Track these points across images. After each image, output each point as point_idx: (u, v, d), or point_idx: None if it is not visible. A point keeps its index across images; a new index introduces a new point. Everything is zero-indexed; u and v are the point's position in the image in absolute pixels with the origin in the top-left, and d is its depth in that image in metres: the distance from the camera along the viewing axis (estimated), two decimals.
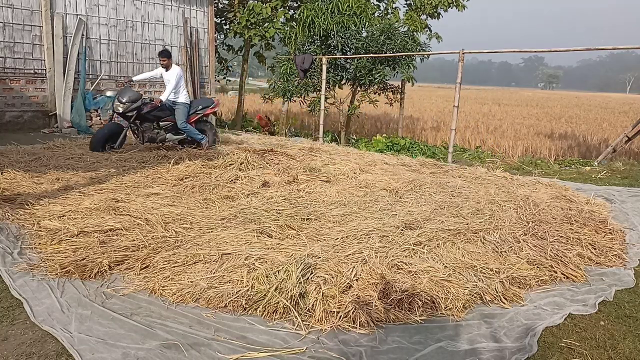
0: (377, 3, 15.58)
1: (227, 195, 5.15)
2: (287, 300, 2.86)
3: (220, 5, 15.73)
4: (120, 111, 7.38)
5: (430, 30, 15.65)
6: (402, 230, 4.13)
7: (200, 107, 8.12)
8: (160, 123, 7.82)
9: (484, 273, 3.39)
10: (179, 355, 2.42)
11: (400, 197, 5.37)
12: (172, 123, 7.83)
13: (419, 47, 12.19)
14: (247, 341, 2.58)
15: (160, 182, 5.63)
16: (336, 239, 3.88)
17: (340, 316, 2.79)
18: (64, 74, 10.18)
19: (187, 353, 2.44)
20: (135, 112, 7.43)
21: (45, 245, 3.68)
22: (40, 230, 3.93)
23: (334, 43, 12.20)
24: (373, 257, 3.46)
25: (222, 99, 24.65)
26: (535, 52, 9.38)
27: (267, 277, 3.06)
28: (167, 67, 7.76)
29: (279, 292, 2.92)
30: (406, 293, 3.02)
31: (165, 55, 7.72)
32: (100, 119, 10.52)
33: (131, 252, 3.52)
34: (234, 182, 5.71)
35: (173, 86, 7.59)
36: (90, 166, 6.32)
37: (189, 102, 7.91)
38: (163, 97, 7.61)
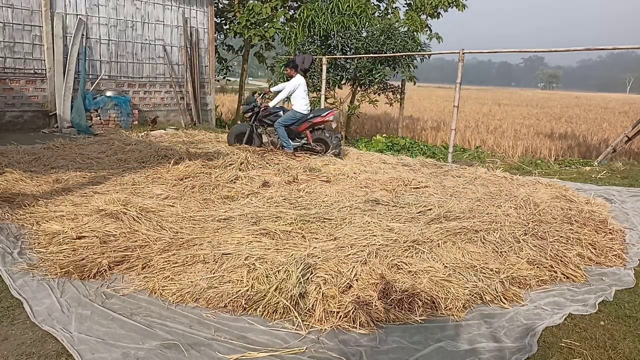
0: (377, 3, 15.57)
1: (227, 195, 5.16)
2: (287, 300, 2.86)
3: (220, 5, 15.73)
4: (242, 113, 8.46)
5: (431, 30, 15.65)
6: (402, 229, 4.13)
7: (311, 115, 8.10)
8: None
9: (484, 273, 3.39)
10: (179, 355, 2.42)
11: (400, 197, 5.37)
12: (288, 130, 8.04)
13: (419, 47, 12.18)
14: (247, 341, 2.58)
15: (160, 182, 5.64)
16: (336, 239, 3.88)
17: (340, 316, 2.79)
18: (64, 74, 10.18)
19: (187, 353, 2.44)
20: (251, 114, 8.15)
21: (45, 246, 3.68)
22: (40, 231, 3.93)
23: (334, 43, 12.20)
24: (373, 257, 3.46)
25: (223, 98, 24.63)
26: (535, 52, 9.37)
27: (267, 277, 3.07)
28: (290, 77, 8.13)
29: (279, 292, 2.92)
30: (406, 293, 3.02)
31: (287, 66, 8.31)
32: (100, 119, 10.52)
33: (131, 252, 3.52)
34: (234, 182, 5.71)
35: (284, 94, 7.90)
36: (90, 167, 6.32)
37: (303, 112, 7.93)
38: (270, 104, 8.06)
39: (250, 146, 7.98)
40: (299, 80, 8.00)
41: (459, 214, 4.68)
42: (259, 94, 8.46)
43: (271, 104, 8.03)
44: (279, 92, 8.25)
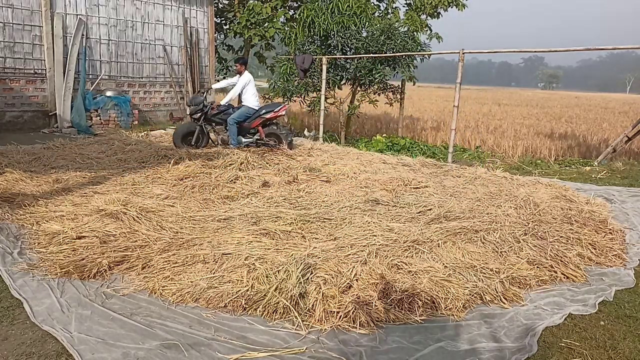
0: (377, 3, 15.56)
1: (227, 195, 5.16)
2: (287, 300, 2.86)
3: (220, 5, 15.73)
4: (188, 114, 8.22)
5: (431, 30, 15.64)
6: (402, 229, 4.13)
7: (263, 111, 8.25)
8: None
9: (484, 273, 3.39)
10: (179, 355, 2.42)
11: (400, 197, 5.37)
12: (240, 127, 8.17)
13: (419, 47, 12.18)
14: (247, 341, 2.58)
15: (160, 182, 5.64)
16: (336, 239, 3.87)
17: (340, 316, 2.79)
18: (64, 74, 10.18)
19: (187, 353, 2.44)
20: (200, 114, 8.00)
21: (45, 246, 3.68)
22: (40, 231, 3.93)
23: (334, 43, 12.19)
24: (373, 257, 3.46)
25: (223, 98, 24.58)
26: (535, 52, 9.37)
27: (267, 277, 3.07)
28: (239, 74, 8.24)
29: (279, 292, 2.92)
30: (406, 293, 3.02)
31: (237, 62, 8.35)
32: (100, 119, 10.52)
33: (131, 252, 3.52)
34: (234, 182, 5.71)
35: (235, 92, 8.07)
36: (90, 167, 6.32)
37: (255, 107, 8.14)
38: (222, 101, 8.10)
39: (197, 146, 7.97)
40: (249, 76, 8.18)
41: (459, 214, 4.69)
42: (203, 92, 8.40)
43: (223, 101, 8.08)
44: (221, 88, 8.56)
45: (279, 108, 8.34)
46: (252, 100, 8.13)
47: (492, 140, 13.50)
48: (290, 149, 8.22)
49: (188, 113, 8.22)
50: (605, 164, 8.80)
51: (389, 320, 2.83)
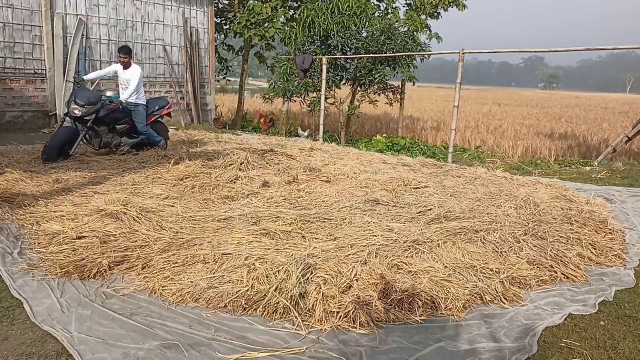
0: (377, 3, 15.58)
1: (227, 195, 5.15)
2: (287, 300, 2.86)
3: (220, 5, 15.73)
4: (78, 115, 6.70)
5: (430, 30, 15.66)
6: (402, 229, 4.13)
7: (156, 107, 7.67)
8: (116, 126, 7.19)
9: (484, 273, 3.39)
10: (179, 355, 2.42)
11: (400, 197, 5.37)
12: (129, 126, 7.30)
13: (419, 47, 12.19)
14: (247, 341, 2.58)
15: (160, 182, 5.64)
16: (336, 239, 3.87)
17: (340, 316, 2.79)
18: (64, 74, 10.18)
19: (187, 353, 2.44)
20: (93, 115, 6.80)
21: (45, 246, 3.68)
22: (40, 231, 3.93)
23: (334, 43, 12.21)
24: (373, 257, 3.46)
25: (223, 99, 24.63)
26: (535, 52, 9.38)
27: (267, 277, 3.07)
28: (126, 65, 7.19)
29: (279, 292, 2.92)
30: (406, 293, 3.02)
31: (125, 52, 7.16)
32: None
33: (131, 252, 3.52)
34: (234, 182, 5.71)
35: (135, 87, 7.10)
36: (90, 167, 6.32)
37: (146, 103, 7.45)
38: (123, 98, 7.06)
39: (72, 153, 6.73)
40: (139, 68, 7.26)
41: (459, 214, 4.68)
42: (82, 85, 7.14)
43: (123, 97, 7.05)
44: (93, 80, 8.42)
45: (169, 104, 7.97)
46: (143, 95, 7.32)
47: (492, 140, 13.52)
48: (166, 146, 7.72)
49: (79, 114, 6.65)
50: (605, 164, 8.80)
51: (389, 320, 2.83)
